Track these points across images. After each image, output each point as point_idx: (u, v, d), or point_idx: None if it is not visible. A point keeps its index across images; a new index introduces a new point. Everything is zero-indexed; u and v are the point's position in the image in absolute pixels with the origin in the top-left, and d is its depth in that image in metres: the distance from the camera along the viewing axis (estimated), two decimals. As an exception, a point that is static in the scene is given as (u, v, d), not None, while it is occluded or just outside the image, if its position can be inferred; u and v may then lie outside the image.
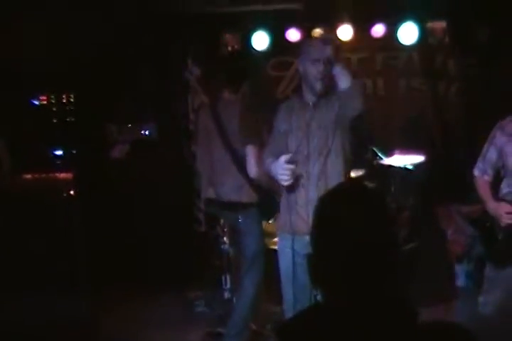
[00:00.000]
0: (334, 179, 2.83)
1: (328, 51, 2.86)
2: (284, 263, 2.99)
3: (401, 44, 4.78)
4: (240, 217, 3.55)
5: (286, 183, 2.85)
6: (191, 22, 4.74)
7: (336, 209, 1.26)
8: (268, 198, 3.51)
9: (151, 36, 4.70)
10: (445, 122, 4.91)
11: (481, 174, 3.29)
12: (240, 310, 3.61)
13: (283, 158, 2.81)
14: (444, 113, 4.90)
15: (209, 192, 3.69)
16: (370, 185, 2.94)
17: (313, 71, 2.85)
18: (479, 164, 3.31)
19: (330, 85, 2.89)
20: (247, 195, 3.52)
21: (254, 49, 4.98)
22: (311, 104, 2.93)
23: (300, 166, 2.87)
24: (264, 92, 5.23)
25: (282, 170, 2.82)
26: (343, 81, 2.84)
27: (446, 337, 1.19)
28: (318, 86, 2.87)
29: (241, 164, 3.44)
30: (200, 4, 4.64)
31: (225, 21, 4.81)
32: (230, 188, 3.53)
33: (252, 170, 3.38)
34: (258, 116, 3.48)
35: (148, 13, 4.53)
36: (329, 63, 2.83)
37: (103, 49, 4.49)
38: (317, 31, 2.87)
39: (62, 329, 3.63)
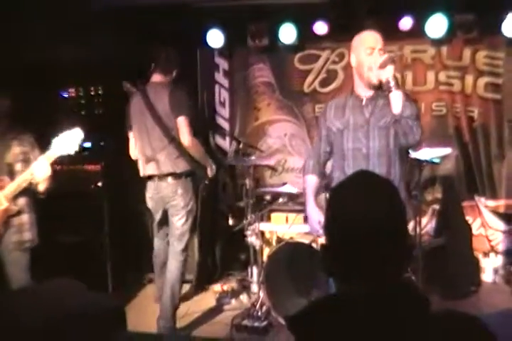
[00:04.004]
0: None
1: (381, 42, 2.78)
2: None
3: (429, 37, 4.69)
4: (178, 188, 3.74)
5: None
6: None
7: (347, 199, 1.28)
8: (199, 167, 3.84)
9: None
10: (472, 116, 4.86)
11: None
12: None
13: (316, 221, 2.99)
14: (472, 107, 4.85)
15: (149, 169, 3.81)
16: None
17: (367, 61, 2.74)
18: None
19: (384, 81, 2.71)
20: (182, 165, 3.74)
21: (281, 42, 4.95)
22: (365, 99, 2.83)
23: (357, 164, 2.78)
24: (291, 85, 5.25)
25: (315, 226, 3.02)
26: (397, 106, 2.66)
27: (458, 326, 1.18)
28: (373, 77, 2.74)
29: (172, 137, 3.68)
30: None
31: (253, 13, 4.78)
32: (168, 160, 3.73)
33: (186, 138, 3.64)
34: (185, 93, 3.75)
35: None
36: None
37: (128, 42, 4.48)
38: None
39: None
